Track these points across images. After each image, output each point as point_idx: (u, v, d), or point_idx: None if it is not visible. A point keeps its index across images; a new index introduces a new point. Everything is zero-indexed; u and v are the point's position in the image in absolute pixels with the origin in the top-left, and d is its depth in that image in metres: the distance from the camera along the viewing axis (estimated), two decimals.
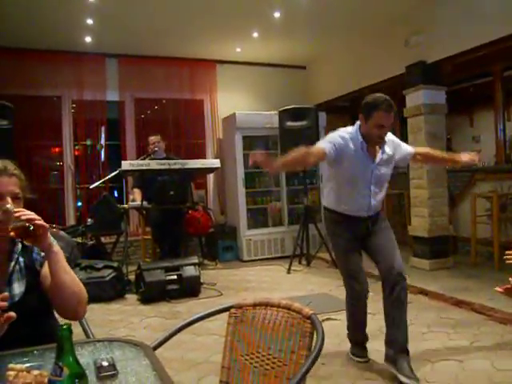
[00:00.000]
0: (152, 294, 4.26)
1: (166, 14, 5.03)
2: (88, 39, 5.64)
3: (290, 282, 4.93)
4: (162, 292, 4.27)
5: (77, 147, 6.26)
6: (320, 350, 1.20)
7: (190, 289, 4.37)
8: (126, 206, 4.86)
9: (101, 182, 4.99)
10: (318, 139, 5.67)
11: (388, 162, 2.69)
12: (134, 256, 5.82)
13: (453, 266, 4.94)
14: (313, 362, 1.19)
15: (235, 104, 6.63)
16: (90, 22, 5.07)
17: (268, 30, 5.61)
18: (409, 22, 5.08)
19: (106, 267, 4.43)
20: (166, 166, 4.24)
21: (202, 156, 6.65)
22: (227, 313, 1.54)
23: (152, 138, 5.17)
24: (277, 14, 5.11)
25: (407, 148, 2.80)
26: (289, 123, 5.67)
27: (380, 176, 2.68)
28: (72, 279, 1.39)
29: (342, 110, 7.45)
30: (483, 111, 7.73)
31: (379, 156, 2.63)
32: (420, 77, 4.91)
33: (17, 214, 1.28)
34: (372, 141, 2.58)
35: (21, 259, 1.45)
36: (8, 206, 1.31)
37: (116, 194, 6.49)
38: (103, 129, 6.38)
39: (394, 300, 2.68)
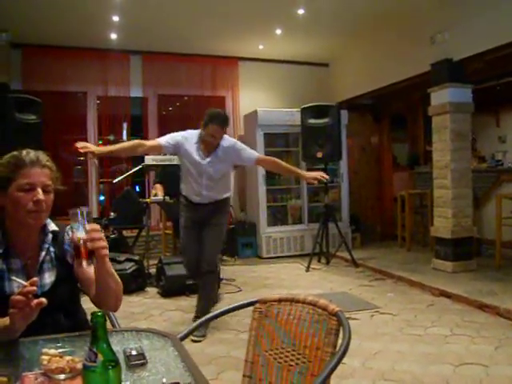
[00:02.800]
0: (172, 288, 4.31)
1: (190, 11, 5.05)
2: (113, 36, 5.72)
3: (308, 280, 4.92)
4: (181, 286, 4.31)
5: (100, 142, 6.36)
6: (347, 348, 1.20)
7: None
8: (148, 200, 4.91)
9: (124, 176, 5.07)
10: (339, 137, 5.66)
11: (220, 163, 3.29)
12: (155, 250, 5.89)
13: (476, 269, 4.84)
14: (339, 360, 1.18)
15: (257, 101, 6.63)
16: (115, 19, 5.14)
17: (291, 27, 5.58)
18: (435, 18, 4.99)
19: (127, 260, 4.49)
20: None
21: None
22: (247, 308, 1.54)
23: None
24: (301, 11, 5.08)
25: (250, 154, 3.36)
26: (311, 121, 5.64)
27: (211, 173, 3.29)
28: (116, 281, 1.41)
29: (365, 107, 7.37)
30: (510, 111, 7.55)
31: (210, 157, 3.26)
32: (446, 74, 4.82)
33: (96, 245, 1.26)
34: (205, 145, 3.24)
35: (52, 249, 1.48)
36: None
37: (138, 189, 6.57)
38: (126, 124, 6.46)
39: (203, 283, 3.45)
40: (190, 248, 3.43)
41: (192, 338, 3.09)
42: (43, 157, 1.46)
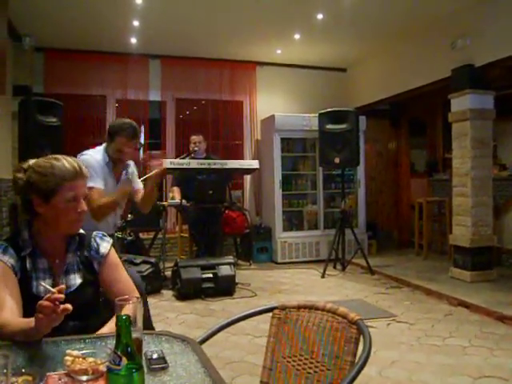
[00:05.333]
0: (187, 291, 4.32)
1: (209, 16, 5.09)
2: (133, 41, 5.79)
3: (324, 287, 4.88)
4: (197, 289, 4.33)
5: None
6: (367, 357, 1.18)
7: (225, 288, 4.41)
8: (165, 203, 4.94)
9: (142, 179, 5.09)
10: (357, 143, 5.61)
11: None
12: (171, 253, 5.92)
13: (496, 279, 4.74)
14: (359, 370, 1.17)
15: (274, 106, 6.63)
16: (136, 23, 5.21)
17: (310, 32, 5.58)
18: (456, 23, 4.93)
19: (143, 262, 4.53)
20: (206, 166, 4.28)
21: (240, 157, 6.69)
22: (263, 314, 1.54)
23: (194, 138, 5.24)
24: (320, 16, 5.07)
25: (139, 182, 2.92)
26: (328, 126, 5.62)
27: None
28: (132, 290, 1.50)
29: (383, 113, 7.32)
30: None
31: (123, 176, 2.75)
32: (467, 80, 4.76)
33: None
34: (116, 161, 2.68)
35: (78, 253, 1.52)
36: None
37: None
38: (143, 128, 6.52)
39: None
40: None
41: None
42: (83, 167, 1.49)
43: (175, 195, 4.92)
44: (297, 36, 5.76)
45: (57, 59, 5.99)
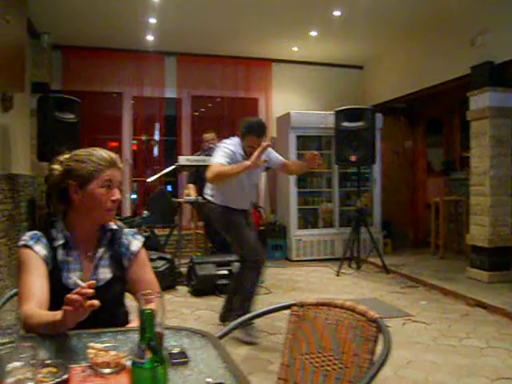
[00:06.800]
0: (203, 288, 4.35)
1: (225, 13, 5.10)
2: (150, 38, 5.83)
3: (339, 285, 4.86)
4: (212, 286, 4.35)
5: (134, 142, 6.49)
6: (387, 356, 1.18)
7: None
8: (181, 199, 4.97)
9: (159, 175, 5.14)
10: (373, 141, 5.57)
11: None
12: (186, 249, 5.96)
13: None
14: (379, 368, 1.16)
15: (289, 103, 6.62)
16: (153, 21, 5.24)
17: (327, 29, 5.55)
18: (475, 19, 4.85)
19: (159, 258, 4.56)
20: None
21: None
22: (280, 311, 1.54)
23: (207, 135, 5.26)
24: (337, 13, 5.04)
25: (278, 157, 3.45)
26: (345, 124, 5.58)
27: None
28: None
29: (399, 111, 7.24)
30: None
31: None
32: (486, 78, 4.68)
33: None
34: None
35: (110, 248, 1.53)
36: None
37: (170, 188, 6.68)
38: (158, 125, 6.57)
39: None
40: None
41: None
42: (118, 159, 1.54)
43: (191, 192, 4.95)
44: (313, 33, 5.73)
45: (74, 57, 6.08)
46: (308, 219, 6.38)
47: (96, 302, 1.12)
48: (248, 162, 2.88)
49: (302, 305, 1.50)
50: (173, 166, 4.88)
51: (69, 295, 1.13)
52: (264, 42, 6.13)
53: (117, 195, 1.49)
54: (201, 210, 5.17)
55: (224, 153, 3.13)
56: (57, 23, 5.29)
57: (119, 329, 1.30)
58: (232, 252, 4.01)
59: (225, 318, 3.45)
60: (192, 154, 5.67)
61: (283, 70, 6.82)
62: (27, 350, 0.89)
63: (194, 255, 5.25)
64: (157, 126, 6.56)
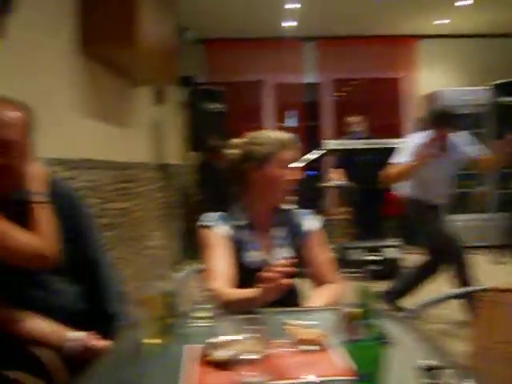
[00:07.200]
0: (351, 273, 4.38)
1: None
2: (289, 24, 5.83)
3: (499, 274, 4.46)
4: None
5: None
6: None
7: (391, 271, 4.34)
8: (328, 184, 5.00)
9: (308, 161, 5.20)
10: None
11: None
12: (330, 235, 5.99)
13: None
14: None
15: (437, 81, 6.16)
16: (295, 6, 5.24)
17: None
18: None
19: None
20: (371, 146, 4.23)
21: (398, 136, 6.43)
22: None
23: (352, 119, 5.21)
24: None
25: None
26: (504, 99, 5.04)
27: None
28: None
29: None
30: None
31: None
32: None
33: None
34: None
35: (285, 228, 1.59)
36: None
37: (311, 173, 6.76)
38: (298, 111, 6.65)
39: None
40: None
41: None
42: (293, 140, 1.58)
43: (336, 176, 4.95)
44: (463, 2, 5.20)
45: (216, 49, 6.33)
46: (458, 204, 5.93)
47: (291, 281, 1.14)
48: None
49: (498, 290, 1.42)
50: (322, 151, 4.91)
51: (265, 274, 1.14)
52: (406, 18, 5.75)
53: (291, 175, 1.52)
54: (348, 195, 5.18)
55: (403, 151, 3.24)
56: (199, 18, 5.49)
57: (307, 307, 1.37)
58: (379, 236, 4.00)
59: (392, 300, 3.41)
60: (337, 138, 5.65)
61: (430, 45, 6.33)
62: (254, 322, 0.91)
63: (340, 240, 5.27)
64: (296, 112, 6.64)
